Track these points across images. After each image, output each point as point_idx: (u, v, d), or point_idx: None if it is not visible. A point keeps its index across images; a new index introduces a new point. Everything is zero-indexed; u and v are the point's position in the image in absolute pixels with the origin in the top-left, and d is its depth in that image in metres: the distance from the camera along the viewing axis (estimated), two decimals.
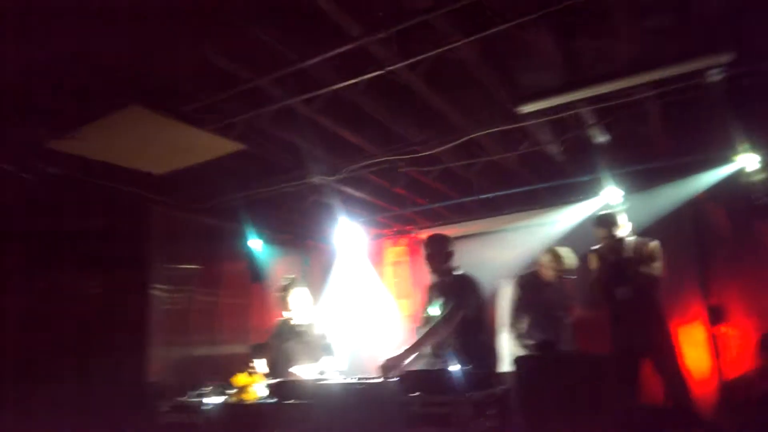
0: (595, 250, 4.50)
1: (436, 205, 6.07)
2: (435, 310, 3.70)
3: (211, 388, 3.50)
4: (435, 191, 5.80)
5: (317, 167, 4.77)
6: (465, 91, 3.98)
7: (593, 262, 4.49)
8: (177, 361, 5.53)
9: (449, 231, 6.91)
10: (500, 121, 4.14)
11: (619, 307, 4.25)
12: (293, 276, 4.32)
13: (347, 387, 3.02)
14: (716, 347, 5.10)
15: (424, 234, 7.19)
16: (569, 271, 4.74)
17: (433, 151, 4.42)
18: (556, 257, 4.73)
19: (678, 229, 5.18)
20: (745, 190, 4.47)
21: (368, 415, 2.82)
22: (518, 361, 3.65)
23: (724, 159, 4.57)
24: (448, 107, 3.99)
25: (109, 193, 4.78)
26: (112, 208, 5.13)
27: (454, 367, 3.00)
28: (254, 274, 6.11)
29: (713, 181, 4.66)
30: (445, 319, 3.49)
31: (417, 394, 2.80)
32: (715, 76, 3.47)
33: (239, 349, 5.82)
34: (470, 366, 3.03)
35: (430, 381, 2.91)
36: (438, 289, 3.76)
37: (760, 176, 4.38)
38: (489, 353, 3.75)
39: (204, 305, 5.89)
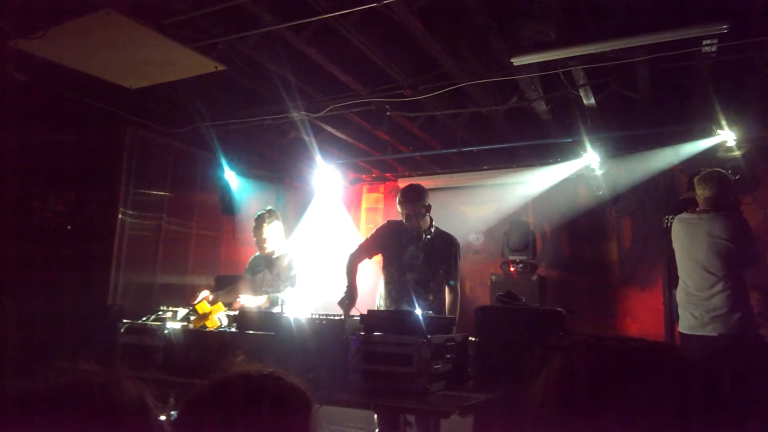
0: None
1: (419, 153, 6.02)
2: (414, 258, 3.70)
3: (170, 313, 3.47)
4: (418, 139, 5.73)
5: (300, 102, 4.64)
6: (461, 37, 3.88)
7: None
8: (142, 287, 5.49)
9: (428, 182, 6.95)
10: (493, 72, 4.06)
11: None
12: (270, 207, 4.26)
13: (310, 322, 3.04)
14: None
15: (402, 183, 7.22)
16: None
17: (423, 97, 4.33)
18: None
19: (650, 198, 5.26)
20: (720, 164, 4.53)
21: (329, 350, 2.85)
22: (479, 310, 3.70)
23: (704, 132, 4.61)
24: (443, 52, 3.88)
25: (81, 106, 4.57)
26: (83, 122, 4.94)
27: (417, 311, 3.04)
28: (226, 206, 6.02)
29: (690, 153, 4.70)
30: (456, 296, 3.69)
31: (380, 333, 2.83)
32: (708, 46, 3.45)
33: (206, 280, 5.81)
34: (430, 311, 3.09)
35: (393, 322, 2.95)
36: (414, 240, 3.70)
37: (736, 152, 4.43)
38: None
39: (173, 234, 5.82)
